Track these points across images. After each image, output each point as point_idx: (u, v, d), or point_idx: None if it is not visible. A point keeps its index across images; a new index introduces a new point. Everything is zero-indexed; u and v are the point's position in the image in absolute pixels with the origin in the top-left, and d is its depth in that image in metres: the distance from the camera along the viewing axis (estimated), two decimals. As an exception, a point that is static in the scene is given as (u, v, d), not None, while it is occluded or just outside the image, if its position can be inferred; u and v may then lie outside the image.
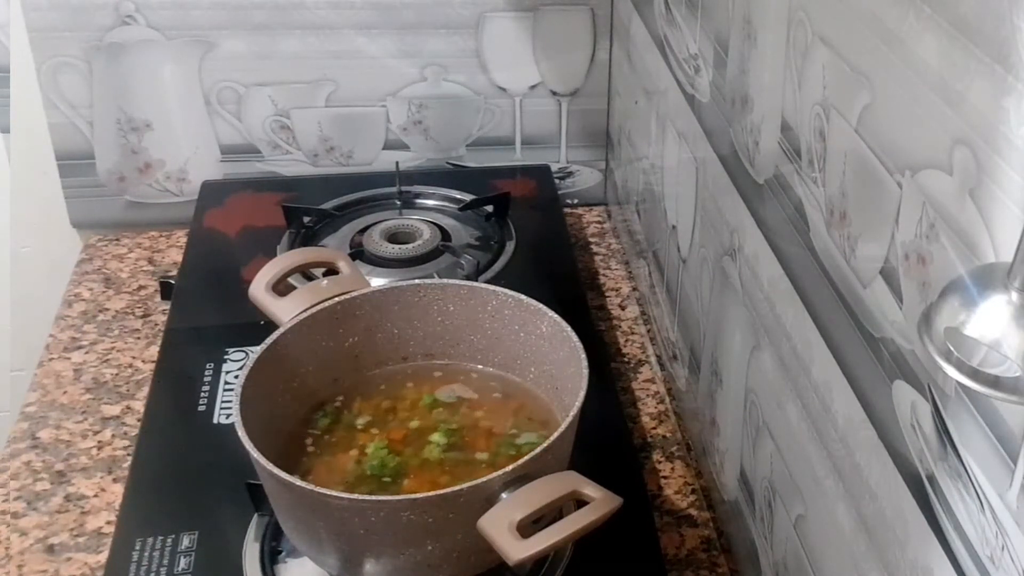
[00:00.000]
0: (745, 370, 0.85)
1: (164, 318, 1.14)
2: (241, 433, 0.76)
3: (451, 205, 1.29)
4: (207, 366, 1.04)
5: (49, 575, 0.89)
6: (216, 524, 0.88)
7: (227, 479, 0.87)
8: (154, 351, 1.11)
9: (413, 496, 0.74)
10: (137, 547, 0.86)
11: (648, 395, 1.11)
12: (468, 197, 1.28)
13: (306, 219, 1.24)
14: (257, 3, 1.26)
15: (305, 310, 0.88)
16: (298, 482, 0.74)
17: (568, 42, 1.34)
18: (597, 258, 1.33)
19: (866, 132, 0.59)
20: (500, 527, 0.70)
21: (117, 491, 0.96)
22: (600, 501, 0.72)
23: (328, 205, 1.27)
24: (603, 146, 1.42)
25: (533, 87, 1.36)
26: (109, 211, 1.35)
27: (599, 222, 1.41)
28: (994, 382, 0.40)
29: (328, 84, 1.32)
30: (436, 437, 0.86)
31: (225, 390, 1.01)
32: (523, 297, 0.90)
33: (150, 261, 1.30)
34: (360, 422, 0.88)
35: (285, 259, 0.94)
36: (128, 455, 1.00)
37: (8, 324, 1.35)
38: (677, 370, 1.08)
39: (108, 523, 0.93)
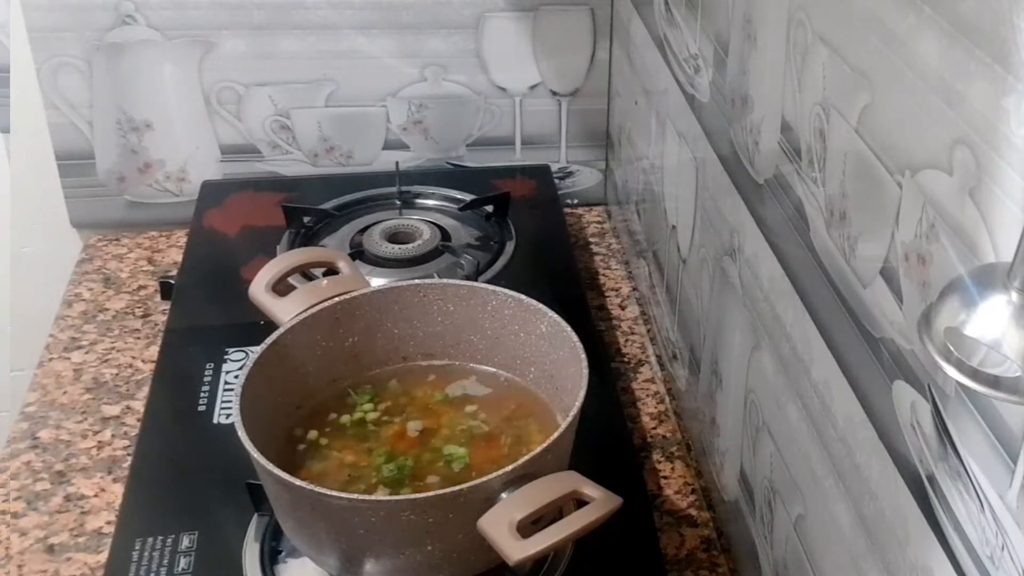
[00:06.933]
0: (745, 370, 0.85)
1: (164, 318, 1.14)
2: (241, 433, 0.76)
3: (451, 205, 1.29)
4: (207, 366, 1.04)
5: (49, 575, 0.89)
6: (216, 524, 0.88)
7: (227, 479, 0.87)
8: (154, 351, 1.11)
9: (413, 496, 0.74)
10: (137, 547, 0.86)
11: (648, 395, 1.11)
12: (468, 197, 1.28)
13: (306, 219, 1.24)
14: (257, 3, 1.26)
15: (305, 310, 0.88)
16: (298, 482, 0.73)
17: (568, 42, 1.34)
18: (597, 258, 1.33)
19: (866, 132, 0.59)
20: (500, 527, 0.70)
21: (117, 491, 0.96)
22: (600, 501, 0.72)
23: (328, 205, 1.27)
24: (603, 146, 1.42)
25: (533, 87, 1.36)
26: (109, 211, 1.35)
27: (599, 222, 1.41)
28: (994, 382, 0.40)
29: (328, 84, 1.32)
30: (452, 448, 0.85)
31: (225, 390, 1.01)
32: (523, 297, 0.90)
33: (150, 261, 1.30)
34: (363, 422, 0.88)
35: (285, 259, 0.94)
36: (128, 455, 1.00)
37: (8, 324, 1.35)
38: (677, 370, 1.08)
39: (108, 523, 0.93)
